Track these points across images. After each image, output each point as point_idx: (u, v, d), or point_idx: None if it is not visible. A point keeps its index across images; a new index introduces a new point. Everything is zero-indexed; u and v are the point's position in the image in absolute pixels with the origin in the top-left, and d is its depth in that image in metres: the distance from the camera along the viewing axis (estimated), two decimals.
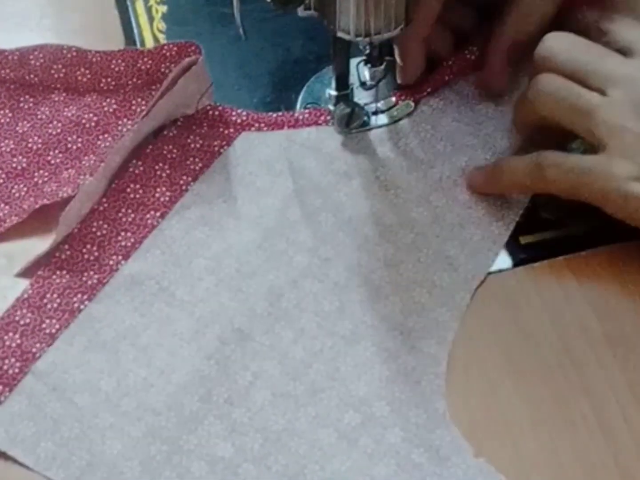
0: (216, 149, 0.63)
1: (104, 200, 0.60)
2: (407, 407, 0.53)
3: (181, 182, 0.61)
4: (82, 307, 0.57)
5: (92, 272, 0.58)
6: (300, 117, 0.64)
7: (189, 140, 0.62)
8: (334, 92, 0.63)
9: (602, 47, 0.58)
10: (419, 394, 0.54)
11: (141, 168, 0.61)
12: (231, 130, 0.63)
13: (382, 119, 0.64)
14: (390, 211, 0.60)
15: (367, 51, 0.62)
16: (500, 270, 0.59)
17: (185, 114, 0.63)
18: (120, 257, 0.58)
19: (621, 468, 0.52)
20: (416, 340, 0.55)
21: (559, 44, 0.58)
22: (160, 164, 0.61)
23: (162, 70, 0.64)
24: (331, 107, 0.63)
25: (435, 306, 0.56)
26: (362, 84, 0.63)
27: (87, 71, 0.64)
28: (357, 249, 0.58)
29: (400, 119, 0.63)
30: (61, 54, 0.64)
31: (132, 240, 0.59)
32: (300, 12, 0.58)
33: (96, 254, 0.59)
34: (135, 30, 0.69)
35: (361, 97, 0.64)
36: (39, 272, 0.58)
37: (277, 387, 0.54)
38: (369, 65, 0.63)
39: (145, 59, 0.64)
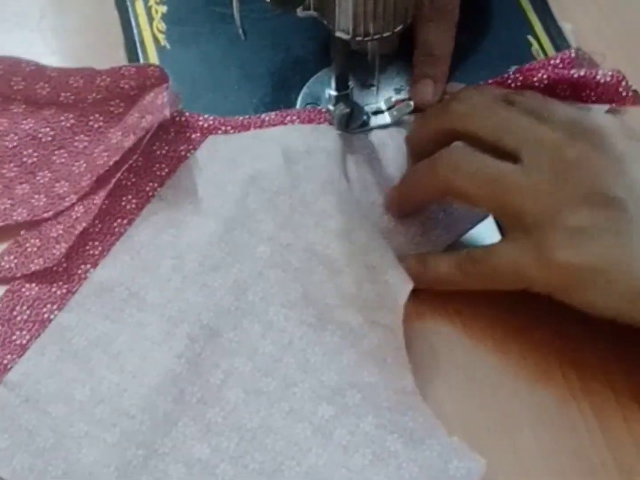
0: (182, 153, 0.62)
1: None
2: (377, 391, 0.53)
3: (147, 188, 0.61)
4: (52, 317, 0.56)
5: (61, 282, 0.57)
6: (267, 118, 0.63)
7: (154, 147, 0.62)
8: (333, 92, 0.63)
9: (516, 109, 0.57)
10: (387, 372, 0.54)
11: None
12: (198, 134, 0.63)
13: (382, 119, 0.64)
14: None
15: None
16: None
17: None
18: (88, 266, 0.58)
19: (621, 468, 0.52)
20: (372, 312, 0.55)
21: (476, 100, 0.58)
22: (126, 173, 0.60)
23: (122, 86, 0.63)
24: (331, 107, 0.63)
25: (388, 268, 0.56)
26: (362, 84, 0.64)
27: (47, 85, 0.63)
28: (314, 227, 0.57)
29: (399, 119, 0.63)
30: (20, 67, 0.63)
31: (100, 248, 0.59)
32: (300, 12, 0.58)
33: (65, 264, 0.58)
34: (135, 31, 0.68)
35: (361, 97, 0.64)
36: (9, 286, 0.57)
37: (249, 384, 0.54)
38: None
39: (104, 77, 0.62)
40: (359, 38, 0.58)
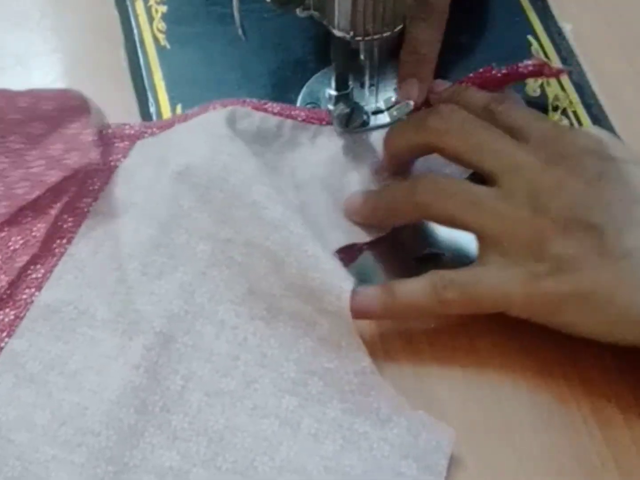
0: (112, 164, 0.61)
1: None
2: (337, 376, 0.53)
3: (82, 205, 0.60)
4: (2, 344, 0.56)
5: (7, 309, 0.57)
6: (190, 112, 0.63)
7: None
8: (334, 92, 0.63)
9: (494, 128, 0.57)
10: (344, 357, 0.54)
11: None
12: (126, 142, 0.62)
13: (382, 118, 0.64)
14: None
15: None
16: None
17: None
18: (33, 290, 0.57)
19: (621, 468, 0.52)
20: (319, 300, 0.54)
21: (454, 118, 0.57)
22: (59, 193, 0.59)
23: (43, 107, 0.61)
24: (331, 107, 0.63)
25: (328, 256, 0.55)
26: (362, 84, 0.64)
27: None
28: (249, 219, 0.57)
29: (399, 119, 0.63)
30: None
31: (43, 271, 0.58)
32: (300, 12, 0.58)
33: (9, 291, 0.57)
34: (135, 30, 0.69)
35: (361, 97, 0.64)
36: None
37: (209, 387, 0.54)
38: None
39: (25, 98, 0.61)
40: (359, 38, 0.58)
